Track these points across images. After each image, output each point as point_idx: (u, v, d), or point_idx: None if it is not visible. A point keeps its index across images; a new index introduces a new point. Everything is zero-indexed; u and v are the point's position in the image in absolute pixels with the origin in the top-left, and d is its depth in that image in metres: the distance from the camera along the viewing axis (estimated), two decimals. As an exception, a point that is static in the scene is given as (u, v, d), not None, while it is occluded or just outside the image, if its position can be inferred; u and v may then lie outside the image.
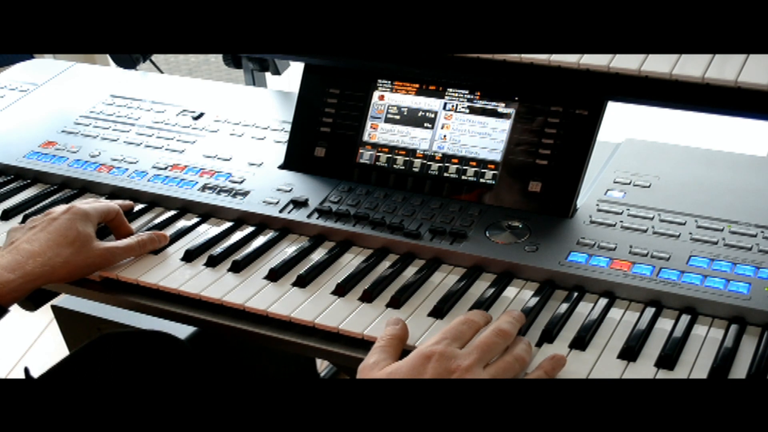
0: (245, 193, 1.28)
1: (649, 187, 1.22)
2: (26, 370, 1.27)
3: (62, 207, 1.17)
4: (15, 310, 1.25)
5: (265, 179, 1.32)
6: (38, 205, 1.32)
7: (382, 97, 1.31)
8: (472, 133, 1.26)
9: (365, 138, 1.31)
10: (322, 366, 2.10)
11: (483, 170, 1.24)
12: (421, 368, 0.86)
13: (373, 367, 0.89)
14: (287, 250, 1.19)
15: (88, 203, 1.19)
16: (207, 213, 1.28)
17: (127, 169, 1.37)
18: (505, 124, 1.24)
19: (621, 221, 1.15)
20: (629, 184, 1.23)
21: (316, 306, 1.06)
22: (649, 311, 1.02)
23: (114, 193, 1.34)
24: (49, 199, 1.34)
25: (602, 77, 1.15)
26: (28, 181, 1.40)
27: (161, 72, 1.92)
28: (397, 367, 0.87)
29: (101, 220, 1.19)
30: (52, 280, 1.10)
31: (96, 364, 1.27)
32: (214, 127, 1.47)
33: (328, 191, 1.27)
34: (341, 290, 1.09)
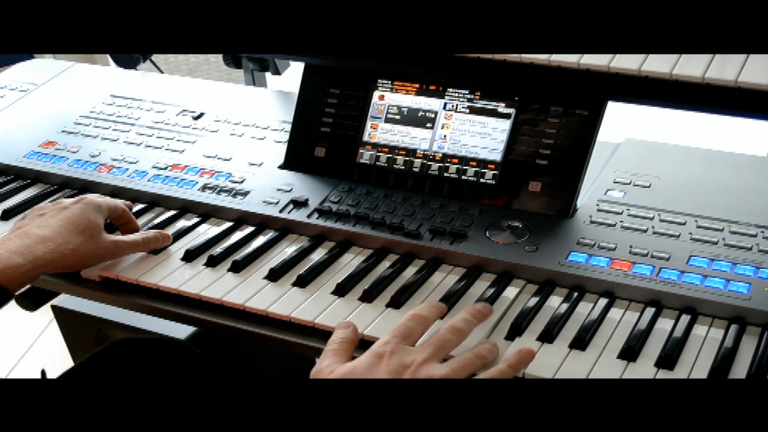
0: (245, 193, 1.28)
1: (649, 187, 1.22)
2: (43, 373, 1.27)
3: (69, 199, 1.18)
4: (15, 309, 1.25)
5: (265, 179, 1.32)
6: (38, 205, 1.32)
7: (382, 97, 1.31)
8: (472, 133, 1.26)
9: (365, 138, 1.31)
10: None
11: (483, 170, 1.24)
12: (375, 367, 0.86)
13: (326, 369, 0.89)
14: (287, 250, 1.19)
15: (99, 196, 1.20)
16: (207, 213, 1.28)
17: (127, 169, 1.37)
18: (505, 124, 1.24)
19: (621, 221, 1.15)
20: (629, 184, 1.23)
21: (316, 306, 1.07)
22: (649, 311, 1.02)
23: (114, 193, 1.34)
24: (49, 200, 1.34)
25: (602, 77, 1.15)
26: (28, 181, 1.40)
27: (161, 72, 1.92)
28: (353, 367, 0.87)
29: (109, 215, 1.20)
30: (60, 268, 1.09)
31: (107, 371, 1.27)
32: (214, 127, 1.47)
33: (328, 191, 1.27)
34: (341, 290, 1.09)
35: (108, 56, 2.75)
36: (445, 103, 1.28)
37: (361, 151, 1.31)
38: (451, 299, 1.06)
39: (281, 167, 1.35)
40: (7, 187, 1.38)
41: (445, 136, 1.27)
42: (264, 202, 1.26)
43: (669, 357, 0.94)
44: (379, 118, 1.31)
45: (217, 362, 1.68)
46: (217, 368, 1.64)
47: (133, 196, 1.33)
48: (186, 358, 1.32)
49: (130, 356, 1.29)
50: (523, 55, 1.18)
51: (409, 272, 1.13)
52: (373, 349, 0.89)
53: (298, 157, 1.34)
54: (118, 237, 1.16)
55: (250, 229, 1.23)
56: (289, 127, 1.37)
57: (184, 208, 1.30)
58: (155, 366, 1.29)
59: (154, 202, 1.32)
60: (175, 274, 1.14)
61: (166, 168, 1.37)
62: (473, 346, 0.94)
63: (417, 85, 1.29)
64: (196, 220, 1.27)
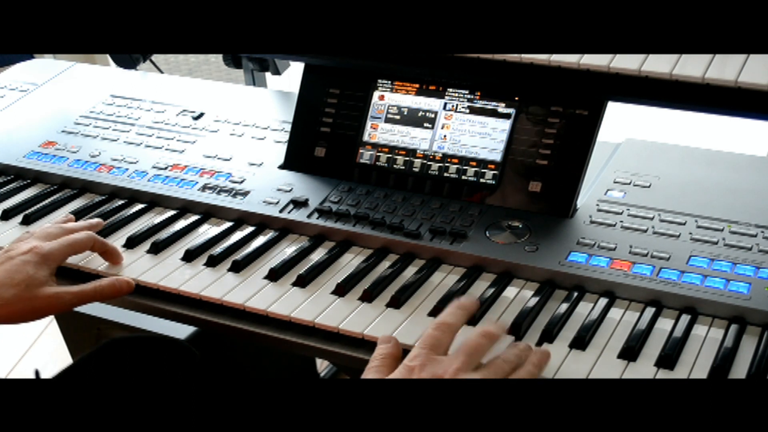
0: (245, 193, 1.28)
1: (649, 187, 1.22)
2: (36, 373, 1.27)
3: (25, 245, 1.10)
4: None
5: (265, 179, 1.32)
6: (38, 205, 1.32)
7: (382, 97, 1.31)
8: (472, 133, 1.26)
9: (365, 138, 1.31)
10: (322, 366, 2.10)
11: (483, 170, 1.24)
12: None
13: None
14: (287, 250, 1.19)
15: (55, 242, 1.12)
16: (207, 213, 1.28)
17: (127, 169, 1.37)
18: (505, 124, 1.24)
19: (621, 221, 1.15)
20: (629, 184, 1.23)
21: (316, 306, 1.07)
22: (649, 311, 1.02)
23: (114, 193, 1.34)
24: (49, 199, 1.34)
25: (602, 77, 1.15)
26: (28, 181, 1.40)
27: (161, 72, 1.92)
28: None
29: (71, 255, 1.14)
30: None
31: (104, 370, 1.26)
32: (214, 127, 1.47)
33: (328, 191, 1.27)
34: (341, 290, 1.09)
35: (108, 56, 2.75)
36: (445, 103, 1.28)
37: (361, 151, 1.31)
38: (451, 299, 1.05)
39: (281, 167, 1.35)
40: (7, 187, 1.39)
41: (445, 136, 1.27)
42: (264, 202, 1.26)
43: (669, 357, 0.94)
44: (379, 118, 1.31)
45: (217, 362, 1.68)
46: (213, 368, 1.64)
47: (133, 196, 1.33)
48: (181, 357, 1.32)
49: (126, 355, 1.29)
50: (523, 55, 1.18)
51: (409, 272, 1.13)
52: (405, 363, 0.87)
53: (298, 157, 1.34)
54: (63, 288, 1.08)
55: (250, 229, 1.23)
56: (289, 127, 1.37)
57: (184, 208, 1.30)
58: (150, 365, 1.29)
59: (154, 202, 1.32)
60: (175, 274, 1.14)
61: (166, 168, 1.37)
62: (502, 350, 0.92)
63: (417, 85, 1.29)
64: (195, 219, 1.27)
